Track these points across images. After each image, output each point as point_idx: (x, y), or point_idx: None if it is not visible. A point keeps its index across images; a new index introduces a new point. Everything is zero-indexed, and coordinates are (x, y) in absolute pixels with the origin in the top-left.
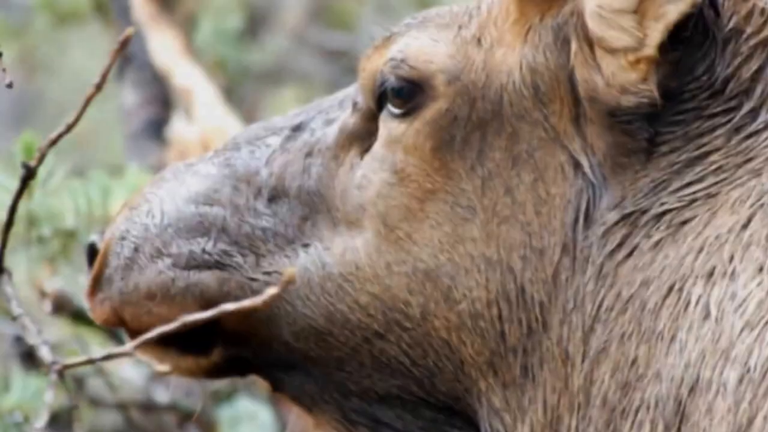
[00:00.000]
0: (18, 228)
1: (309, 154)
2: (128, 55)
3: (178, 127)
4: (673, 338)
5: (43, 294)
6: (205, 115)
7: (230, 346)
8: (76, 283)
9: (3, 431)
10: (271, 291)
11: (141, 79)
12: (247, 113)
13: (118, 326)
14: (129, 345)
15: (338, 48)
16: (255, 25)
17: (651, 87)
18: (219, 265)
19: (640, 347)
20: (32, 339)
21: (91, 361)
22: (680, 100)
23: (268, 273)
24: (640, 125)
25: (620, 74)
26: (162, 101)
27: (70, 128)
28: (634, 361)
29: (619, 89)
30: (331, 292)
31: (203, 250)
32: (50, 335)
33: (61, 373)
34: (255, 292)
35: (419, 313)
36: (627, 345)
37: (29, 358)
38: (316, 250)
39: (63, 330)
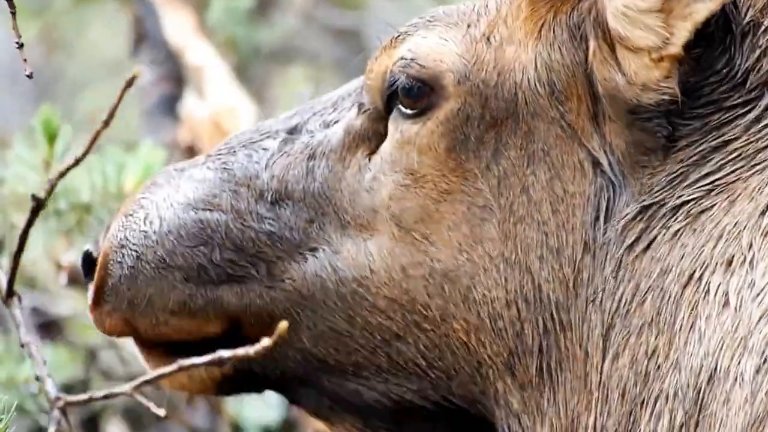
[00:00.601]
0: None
1: (312, 157)
2: (143, 34)
3: (190, 105)
4: (692, 327)
5: (59, 267)
6: (215, 93)
7: (245, 360)
8: None
9: (19, 402)
10: (265, 342)
11: (155, 57)
12: (257, 91)
13: (128, 336)
14: (128, 386)
15: (346, 27)
16: (265, 5)
17: (673, 84)
18: (234, 278)
19: (660, 337)
20: (39, 371)
21: (92, 399)
22: (699, 95)
23: (282, 280)
24: (660, 122)
25: (643, 72)
26: (175, 79)
27: (78, 161)
28: (653, 352)
29: (641, 87)
30: (347, 297)
31: (211, 262)
32: (66, 308)
33: (63, 410)
34: (273, 300)
35: (438, 315)
36: (646, 335)
37: (45, 330)
38: (325, 254)
39: (77, 302)
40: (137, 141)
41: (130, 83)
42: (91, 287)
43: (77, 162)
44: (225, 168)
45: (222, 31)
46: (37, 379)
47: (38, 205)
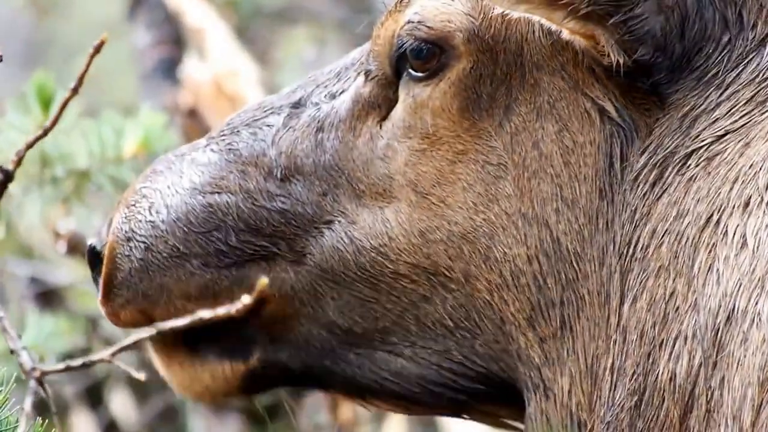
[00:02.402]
0: (32, 168)
1: (320, 129)
2: None
3: (191, 67)
4: (710, 269)
5: (57, 235)
6: (217, 55)
7: (269, 346)
8: (89, 223)
9: (18, 373)
10: (245, 299)
11: (153, 20)
12: (259, 53)
13: (144, 326)
14: (107, 352)
15: None
16: None
17: (608, 46)
18: (258, 256)
19: (678, 279)
20: (12, 344)
21: (70, 369)
22: (701, 45)
23: (303, 255)
24: (643, 78)
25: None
26: (174, 41)
27: (46, 132)
28: (671, 294)
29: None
30: (366, 266)
31: (228, 245)
32: (64, 276)
33: (40, 380)
34: (298, 275)
35: (462, 276)
36: (664, 278)
37: (44, 299)
38: (341, 226)
39: (76, 271)
40: (135, 105)
41: (98, 49)
42: (100, 281)
43: (45, 133)
44: (230, 149)
45: None
46: (12, 352)
47: (6, 178)
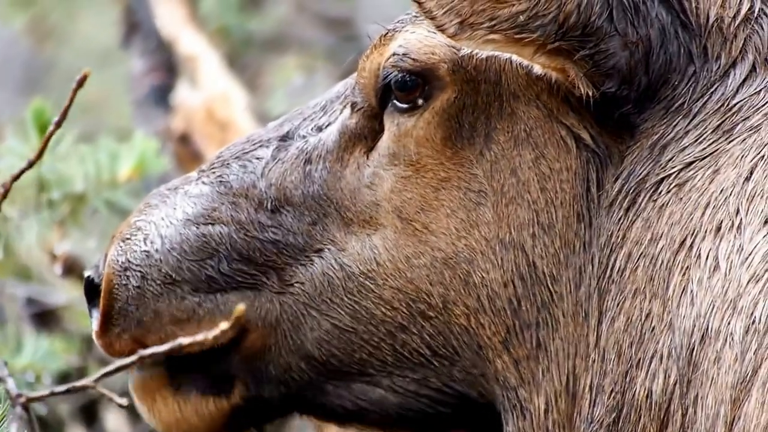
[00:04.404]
0: (29, 192)
1: (308, 161)
2: (135, 23)
3: (183, 94)
4: (684, 291)
5: (53, 257)
6: (208, 82)
7: (251, 381)
8: (85, 245)
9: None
10: (223, 326)
11: (147, 47)
12: (250, 80)
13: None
14: (90, 379)
15: (339, 16)
16: None
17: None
18: (245, 285)
19: (653, 301)
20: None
21: (54, 394)
22: (667, 77)
23: (291, 285)
24: (608, 108)
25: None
26: (168, 68)
27: (32, 165)
28: (648, 315)
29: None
30: (354, 291)
31: (220, 272)
32: (61, 298)
33: (26, 407)
34: (282, 305)
35: (441, 302)
36: (640, 299)
37: (41, 319)
38: (330, 254)
39: (72, 292)
40: (130, 130)
41: (81, 83)
42: (97, 314)
43: (30, 165)
44: (221, 181)
45: (214, 20)
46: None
47: None
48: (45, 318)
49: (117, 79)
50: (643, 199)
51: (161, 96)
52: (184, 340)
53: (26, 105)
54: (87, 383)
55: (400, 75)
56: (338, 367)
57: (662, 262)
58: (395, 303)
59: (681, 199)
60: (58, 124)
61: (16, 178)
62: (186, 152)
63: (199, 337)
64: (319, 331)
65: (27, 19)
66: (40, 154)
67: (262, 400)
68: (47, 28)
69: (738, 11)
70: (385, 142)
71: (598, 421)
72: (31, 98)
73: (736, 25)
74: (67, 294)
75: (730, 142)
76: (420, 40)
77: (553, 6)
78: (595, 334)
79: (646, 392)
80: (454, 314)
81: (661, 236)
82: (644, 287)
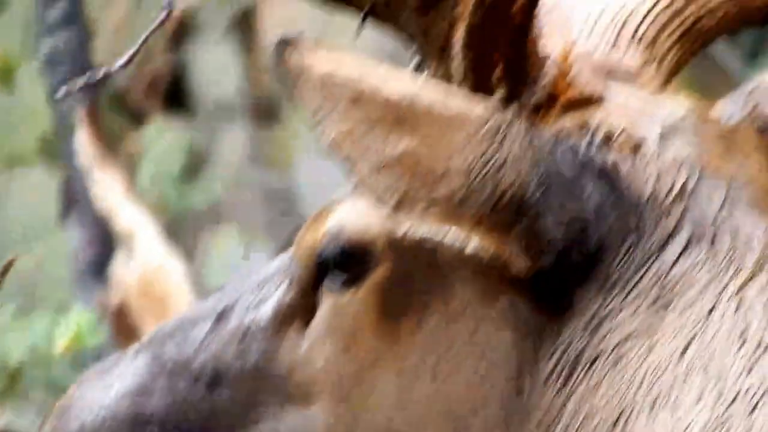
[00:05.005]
0: None
1: (244, 336)
2: (73, 197)
3: (119, 267)
4: None
5: None
6: (145, 255)
7: None
8: (22, 416)
9: None
10: None
11: (85, 220)
12: (188, 251)
13: None
14: None
15: (277, 188)
16: (195, 167)
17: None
18: None
19: None
20: None
21: None
22: (603, 252)
23: None
24: (530, 291)
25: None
26: (104, 242)
27: None
28: None
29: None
30: None
31: None
32: None
33: None
34: None
35: None
36: None
37: None
38: (268, 428)
39: None
40: (70, 302)
41: (6, 269)
42: None
43: None
44: (156, 357)
45: (153, 193)
46: None
47: None
48: None
49: (57, 251)
50: (578, 375)
51: (99, 269)
52: None
53: None
54: None
55: (335, 251)
56: None
57: None
58: None
59: (616, 375)
60: None
61: None
62: (123, 325)
63: None
64: None
65: None
66: None
67: None
68: None
69: (672, 186)
70: (321, 317)
71: None
72: None
73: (671, 200)
74: None
75: (665, 317)
76: (356, 217)
77: (489, 184)
78: None
79: None
80: None
81: (596, 412)
82: None
